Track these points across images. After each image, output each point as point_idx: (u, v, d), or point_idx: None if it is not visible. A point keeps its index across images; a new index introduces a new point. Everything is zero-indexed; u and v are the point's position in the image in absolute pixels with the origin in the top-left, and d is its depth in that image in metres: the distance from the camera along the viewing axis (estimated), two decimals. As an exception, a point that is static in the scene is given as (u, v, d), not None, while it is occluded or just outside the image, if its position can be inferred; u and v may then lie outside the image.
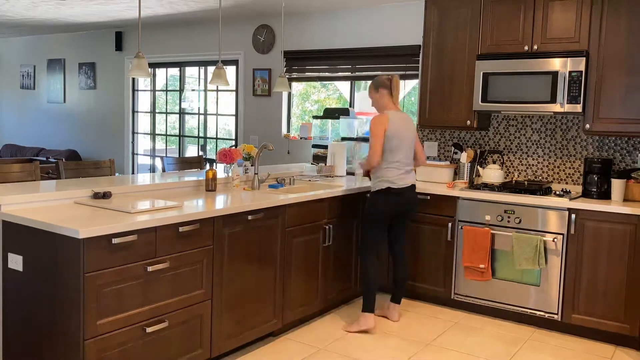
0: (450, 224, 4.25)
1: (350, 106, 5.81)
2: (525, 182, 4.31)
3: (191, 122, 7.39)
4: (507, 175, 4.68)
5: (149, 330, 2.73)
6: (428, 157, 5.02)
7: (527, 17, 4.19)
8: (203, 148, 7.13)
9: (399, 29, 5.28)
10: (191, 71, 7.32)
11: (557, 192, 4.13)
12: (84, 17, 6.77)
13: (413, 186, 3.88)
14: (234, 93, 6.59)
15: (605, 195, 3.96)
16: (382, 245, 4.00)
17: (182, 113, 7.33)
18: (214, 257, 3.08)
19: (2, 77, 9.24)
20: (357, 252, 3.92)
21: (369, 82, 5.73)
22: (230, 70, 6.48)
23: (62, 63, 8.29)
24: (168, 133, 7.52)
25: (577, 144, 4.40)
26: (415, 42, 5.13)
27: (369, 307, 3.82)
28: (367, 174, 4.07)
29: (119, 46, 7.56)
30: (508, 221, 4.03)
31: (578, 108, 3.97)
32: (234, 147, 4.28)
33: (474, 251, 4.07)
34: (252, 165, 4.11)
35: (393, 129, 3.75)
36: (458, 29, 4.50)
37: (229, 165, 4.04)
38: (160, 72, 7.52)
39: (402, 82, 5.56)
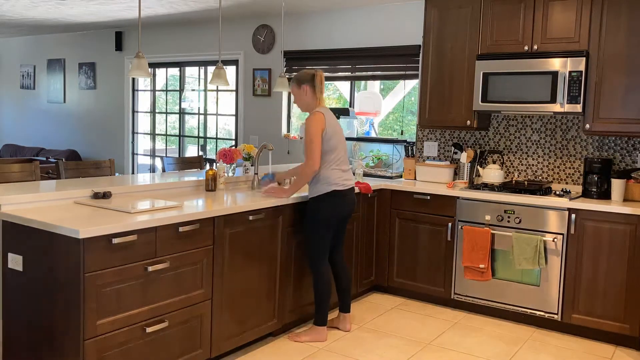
0: (450, 224, 4.25)
1: (350, 106, 5.81)
2: (525, 182, 4.31)
3: (191, 122, 7.39)
4: (507, 175, 4.68)
5: (149, 330, 2.73)
6: (428, 157, 5.02)
7: (527, 17, 4.19)
8: (203, 148, 7.13)
9: (399, 29, 5.28)
10: (191, 71, 7.32)
11: (557, 192, 4.13)
12: (84, 17, 6.77)
13: (354, 187, 3.68)
14: (234, 93, 6.59)
15: (605, 195, 3.96)
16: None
17: (182, 113, 7.33)
18: (214, 257, 3.08)
19: (2, 77, 9.25)
20: (309, 264, 3.64)
21: (369, 82, 5.76)
22: (230, 70, 6.48)
23: (62, 63, 8.29)
24: (168, 133, 7.52)
25: (577, 144, 4.40)
26: (415, 42, 5.13)
27: (323, 320, 3.63)
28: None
29: (119, 46, 7.56)
30: (508, 221, 4.03)
31: (578, 108, 3.97)
32: (234, 147, 4.28)
33: (474, 251, 4.07)
34: (252, 165, 4.11)
35: (330, 127, 3.51)
36: (458, 29, 4.50)
37: (228, 166, 4.04)
38: (160, 72, 7.52)
39: (402, 82, 5.58)
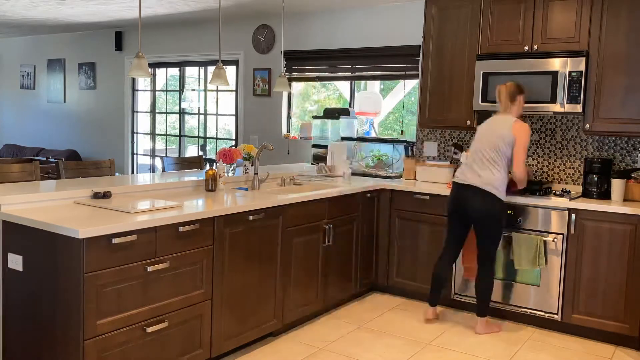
0: (450, 224, 4.24)
1: (350, 106, 5.81)
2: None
3: (191, 122, 7.39)
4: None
5: (149, 330, 2.73)
6: (428, 157, 5.03)
7: (527, 17, 4.19)
8: (203, 148, 7.13)
9: (399, 29, 5.28)
10: (191, 71, 7.32)
11: (557, 192, 4.13)
12: (84, 17, 6.77)
13: (470, 185, 3.83)
14: (234, 93, 6.59)
15: (605, 195, 3.96)
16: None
17: (182, 113, 7.33)
18: (214, 257, 3.08)
19: (2, 77, 9.24)
20: (478, 261, 3.83)
21: (369, 82, 5.76)
22: (230, 70, 6.48)
23: (62, 63, 8.29)
24: (168, 133, 7.52)
25: (577, 144, 4.40)
26: (415, 42, 5.12)
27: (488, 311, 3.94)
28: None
29: (119, 46, 7.56)
30: (508, 221, 4.03)
31: (578, 108, 3.98)
32: (234, 147, 4.27)
33: (474, 251, 4.06)
34: (252, 165, 4.11)
35: (478, 131, 3.91)
36: (458, 29, 4.50)
37: (229, 166, 4.04)
38: (160, 72, 7.52)
39: (402, 82, 5.59)
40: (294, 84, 6.16)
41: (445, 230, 4.16)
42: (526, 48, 4.19)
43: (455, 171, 4.71)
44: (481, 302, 3.85)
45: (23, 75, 8.86)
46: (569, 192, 4.10)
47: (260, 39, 6.22)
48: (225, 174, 3.93)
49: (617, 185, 3.88)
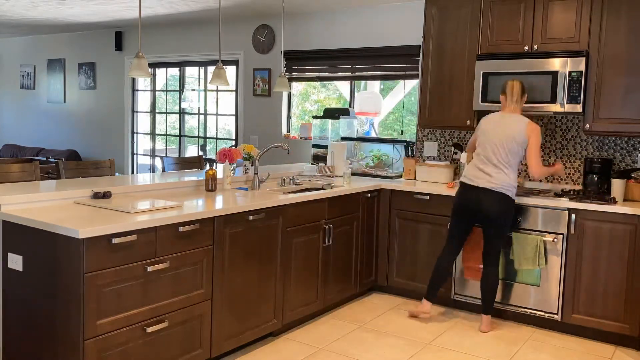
0: (449, 224, 4.24)
1: (350, 106, 5.81)
2: (525, 182, 4.31)
3: (191, 122, 7.39)
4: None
5: (149, 330, 2.73)
6: (428, 157, 5.03)
7: (527, 17, 4.19)
8: (203, 148, 7.13)
9: (399, 29, 5.28)
10: (191, 71, 7.32)
11: (557, 192, 4.13)
12: (84, 17, 6.77)
13: (487, 188, 3.81)
14: (234, 93, 6.59)
15: (605, 195, 3.95)
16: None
17: (182, 113, 7.33)
18: (214, 257, 3.08)
19: (2, 77, 9.24)
20: (486, 261, 3.86)
21: (369, 82, 5.76)
22: (230, 70, 6.48)
23: (62, 63, 8.29)
24: (168, 133, 7.52)
25: (577, 144, 4.40)
26: (415, 42, 5.13)
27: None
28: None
29: (119, 46, 7.56)
30: (508, 221, 4.03)
31: (578, 108, 3.97)
32: (233, 147, 4.27)
33: (474, 251, 4.06)
34: (252, 165, 4.11)
35: (481, 129, 3.91)
36: (458, 29, 4.50)
37: (229, 166, 4.03)
38: (160, 72, 7.52)
39: (402, 82, 5.59)
40: (294, 84, 6.16)
41: (447, 228, 4.17)
42: (526, 48, 4.19)
43: (455, 171, 4.72)
44: (489, 300, 3.87)
45: (23, 75, 8.86)
46: (569, 192, 4.10)
47: (260, 39, 6.22)
48: (232, 174, 3.93)
49: (617, 185, 3.88)
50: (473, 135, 4.06)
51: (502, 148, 3.73)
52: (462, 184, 3.87)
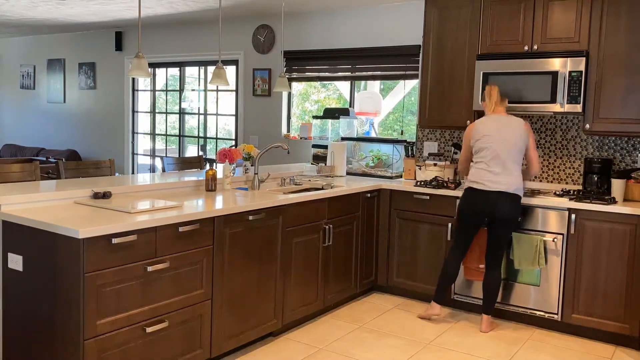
0: (450, 224, 4.24)
1: (350, 106, 5.81)
2: (525, 183, 4.30)
3: (191, 122, 7.39)
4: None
5: (149, 330, 2.73)
6: (428, 157, 5.02)
7: (527, 17, 4.19)
8: (203, 148, 7.13)
9: (399, 29, 5.28)
10: (191, 71, 7.32)
11: (557, 192, 4.13)
12: (84, 17, 6.77)
13: (500, 191, 3.80)
14: (234, 93, 6.59)
15: (605, 195, 3.95)
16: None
17: (182, 113, 7.33)
18: (214, 257, 3.08)
19: (2, 77, 9.24)
20: (486, 262, 3.87)
21: (369, 82, 5.76)
22: (230, 70, 6.48)
23: (62, 63, 8.29)
24: (168, 133, 7.52)
25: (577, 144, 4.40)
26: (415, 42, 5.13)
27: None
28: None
29: (119, 46, 7.56)
30: (508, 221, 4.03)
31: (578, 108, 3.97)
32: (233, 147, 4.28)
33: (474, 251, 4.06)
34: (252, 165, 4.11)
35: (479, 133, 3.90)
36: (458, 29, 4.50)
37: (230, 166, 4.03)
38: (160, 72, 7.52)
39: (402, 82, 5.59)
40: (294, 84, 6.16)
41: (447, 228, 4.17)
42: (526, 48, 4.19)
43: (455, 171, 4.72)
44: (491, 301, 3.88)
45: (23, 75, 8.86)
46: (569, 192, 4.10)
47: (260, 39, 6.22)
48: (232, 174, 3.92)
49: (617, 185, 3.88)
50: (464, 145, 4.00)
51: (514, 147, 3.74)
52: (472, 190, 3.80)
